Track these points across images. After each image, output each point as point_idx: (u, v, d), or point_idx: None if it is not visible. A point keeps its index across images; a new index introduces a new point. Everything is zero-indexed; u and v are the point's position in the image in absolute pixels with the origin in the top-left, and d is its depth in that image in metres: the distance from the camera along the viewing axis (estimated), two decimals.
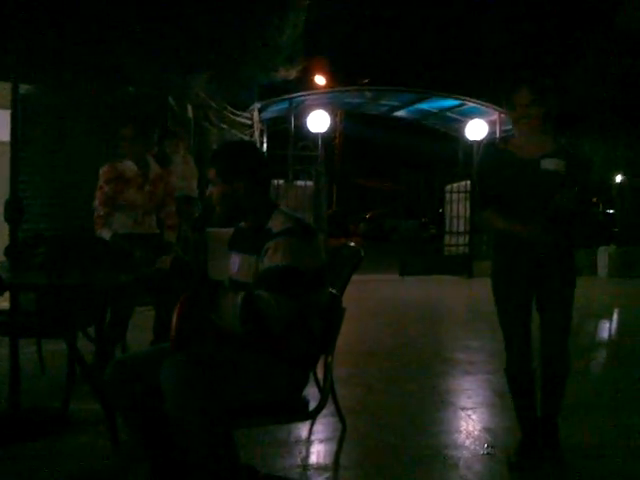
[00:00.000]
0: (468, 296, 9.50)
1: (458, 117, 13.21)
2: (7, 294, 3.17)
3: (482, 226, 2.65)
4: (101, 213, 3.95)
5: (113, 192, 3.96)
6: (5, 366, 3.23)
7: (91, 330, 3.53)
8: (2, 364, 3.48)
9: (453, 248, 12.26)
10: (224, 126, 9.52)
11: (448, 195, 12.77)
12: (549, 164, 2.62)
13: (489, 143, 2.92)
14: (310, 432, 3.16)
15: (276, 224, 2.24)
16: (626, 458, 2.88)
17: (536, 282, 2.70)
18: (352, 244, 3.10)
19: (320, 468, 2.79)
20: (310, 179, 11.41)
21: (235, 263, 2.40)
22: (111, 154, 4.40)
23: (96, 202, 3.99)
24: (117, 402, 2.28)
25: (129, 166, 4.03)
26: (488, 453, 2.89)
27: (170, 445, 2.27)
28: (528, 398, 2.76)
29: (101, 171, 4.01)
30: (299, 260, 2.16)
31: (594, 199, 21.17)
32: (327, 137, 13.19)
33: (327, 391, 2.44)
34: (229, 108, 9.79)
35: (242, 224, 2.45)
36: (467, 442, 3.05)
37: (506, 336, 2.76)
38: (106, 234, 3.89)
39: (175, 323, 2.28)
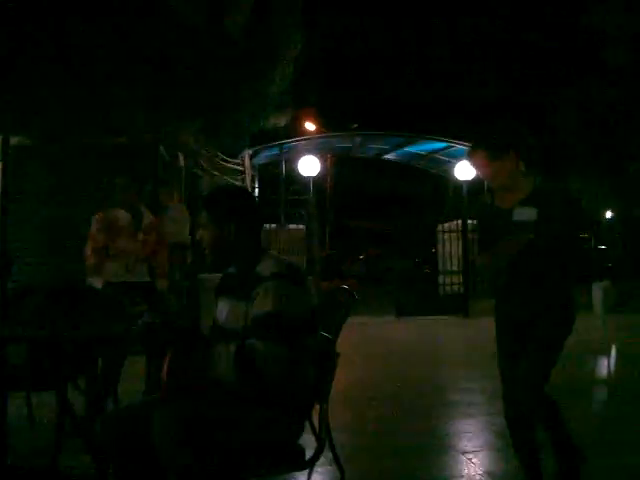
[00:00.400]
0: (465, 336, 9.42)
1: (446, 159, 13.39)
2: None
3: (482, 272, 2.68)
4: (92, 261, 3.94)
5: (105, 240, 3.96)
6: None
7: (82, 381, 3.46)
8: None
9: (448, 287, 12.24)
10: (215, 173, 9.61)
11: (440, 235, 12.82)
12: (519, 214, 2.59)
13: (480, 200, 2.93)
14: None
15: (265, 268, 2.22)
16: None
17: (524, 324, 2.66)
18: (345, 287, 3.07)
19: None
20: (302, 222, 11.46)
21: (223, 311, 2.37)
22: (103, 203, 4.42)
23: (87, 250, 3.97)
24: (109, 456, 2.22)
25: (121, 214, 4.04)
26: None
27: None
28: (530, 450, 2.67)
29: (93, 220, 4.02)
30: (290, 304, 2.14)
31: (584, 235, 21.32)
32: (318, 181, 13.29)
33: (323, 439, 2.38)
34: (220, 155, 9.90)
35: (230, 270, 2.43)
36: None
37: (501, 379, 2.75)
38: (97, 283, 3.87)
39: (166, 373, 2.24)
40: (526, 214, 2.57)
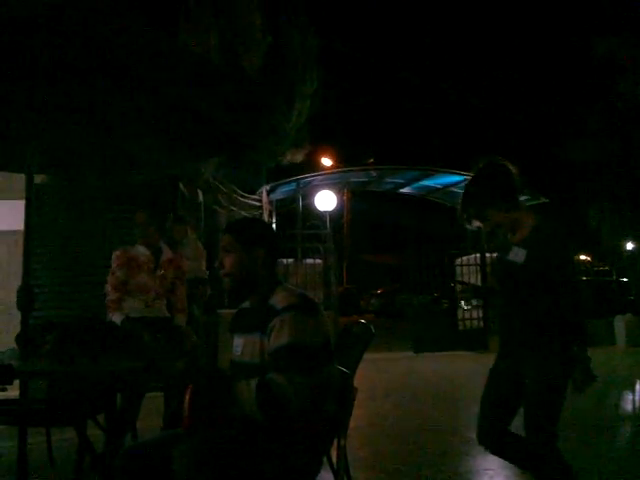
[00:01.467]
0: (485, 372, 9.25)
1: (463, 192, 13.39)
2: (16, 382, 3.14)
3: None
4: (113, 297, 3.99)
5: (125, 276, 4.01)
6: (12, 457, 3.15)
7: (101, 418, 3.46)
8: (10, 456, 3.40)
9: (467, 322, 12.12)
10: (234, 208, 9.73)
11: (459, 268, 12.75)
12: (512, 254, 2.64)
13: (500, 233, 2.83)
14: None
15: (280, 300, 2.23)
16: None
17: (520, 364, 2.66)
18: (362, 321, 3.08)
19: None
20: (319, 257, 11.48)
21: (238, 346, 2.37)
22: (123, 240, 4.51)
23: (108, 287, 4.04)
24: None
25: (141, 251, 4.11)
26: None
27: None
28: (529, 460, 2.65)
29: (113, 256, 4.08)
30: (306, 335, 2.15)
31: (604, 267, 21.05)
32: (335, 215, 13.37)
33: (342, 475, 2.36)
34: (238, 191, 10.04)
35: (244, 305, 2.44)
36: None
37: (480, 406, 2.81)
38: (117, 318, 3.91)
39: (188, 407, 2.25)
40: (515, 253, 2.63)
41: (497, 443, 2.69)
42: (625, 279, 17.84)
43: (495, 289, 2.89)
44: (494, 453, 2.73)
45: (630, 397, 7.12)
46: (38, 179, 5.38)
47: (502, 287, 2.74)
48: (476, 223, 2.74)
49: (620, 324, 12.09)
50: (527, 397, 2.59)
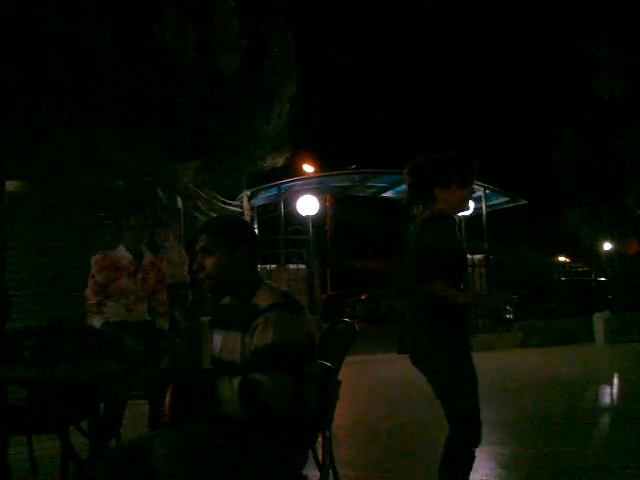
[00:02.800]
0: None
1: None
2: None
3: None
4: (93, 302, 3.95)
5: (105, 280, 3.98)
6: None
7: (85, 425, 3.43)
8: None
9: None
10: (214, 215, 9.69)
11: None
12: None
13: (447, 216, 2.76)
14: None
15: (262, 299, 2.21)
16: None
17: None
18: (347, 320, 3.10)
19: None
20: (302, 262, 11.47)
21: (217, 342, 2.34)
22: (101, 245, 4.45)
23: (88, 291, 3.99)
24: None
25: (122, 254, 4.07)
26: None
27: None
28: None
29: (93, 260, 4.04)
30: (290, 335, 2.13)
31: (584, 267, 21.28)
32: (317, 221, 13.38)
33: (327, 467, 2.36)
34: (218, 197, 9.99)
35: (225, 300, 2.42)
36: None
37: (474, 412, 2.75)
38: (97, 322, 3.87)
39: (169, 405, 2.24)
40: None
41: None
42: (603, 279, 18.09)
43: None
44: None
45: (608, 392, 7.23)
46: (12, 186, 5.33)
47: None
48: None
49: (599, 322, 12.27)
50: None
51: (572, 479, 3.37)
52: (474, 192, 3.10)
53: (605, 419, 5.66)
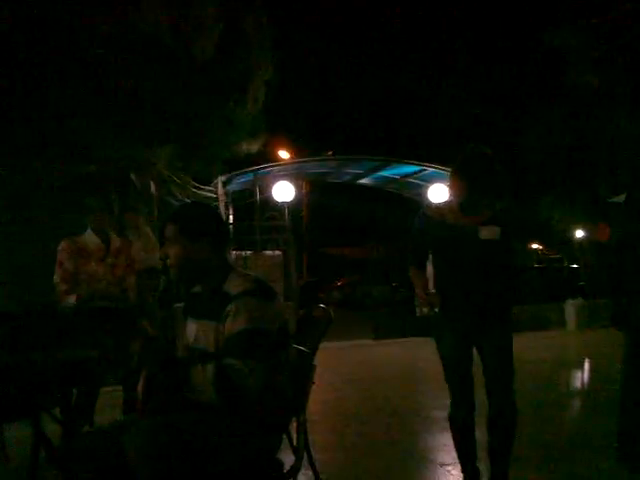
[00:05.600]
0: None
1: (419, 182, 13.57)
2: None
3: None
4: (63, 289, 3.89)
5: (74, 266, 3.91)
6: None
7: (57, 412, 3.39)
8: None
9: (425, 309, 12.30)
10: (188, 200, 9.60)
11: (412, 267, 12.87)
12: (486, 232, 2.83)
13: (420, 211, 3.06)
14: None
15: (234, 286, 2.19)
16: None
17: (476, 334, 2.88)
18: (322, 306, 3.10)
19: None
20: (278, 248, 11.46)
21: (191, 330, 2.33)
22: (71, 230, 4.36)
23: (57, 278, 3.92)
24: (82, 476, 2.18)
25: (89, 239, 4.01)
26: None
27: None
28: (471, 448, 2.95)
29: (60, 247, 3.96)
30: (262, 321, 2.13)
31: (556, 254, 21.62)
32: (294, 207, 13.35)
33: (302, 450, 2.38)
34: (192, 182, 9.89)
35: (196, 289, 2.41)
36: None
37: (452, 385, 2.95)
38: (71, 300, 3.81)
39: (142, 389, 2.23)
40: (490, 232, 2.83)
41: (471, 417, 2.94)
42: (575, 265, 18.41)
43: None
44: (468, 428, 2.94)
45: (578, 376, 7.39)
46: None
47: (467, 265, 2.84)
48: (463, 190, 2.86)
49: (570, 308, 12.50)
50: (492, 364, 2.86)
51: (541, 461, 3.44)
52: None
53: (575, 403, 5.78)
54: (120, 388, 4.40)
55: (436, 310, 2.89)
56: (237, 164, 11.30)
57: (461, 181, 2.83)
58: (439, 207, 3.03)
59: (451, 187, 2.91)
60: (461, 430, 2.95)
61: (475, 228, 2.83)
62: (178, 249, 2.25)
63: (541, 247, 23.59)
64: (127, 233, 5.65)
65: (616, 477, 3.07)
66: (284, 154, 19.51)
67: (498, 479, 2.85)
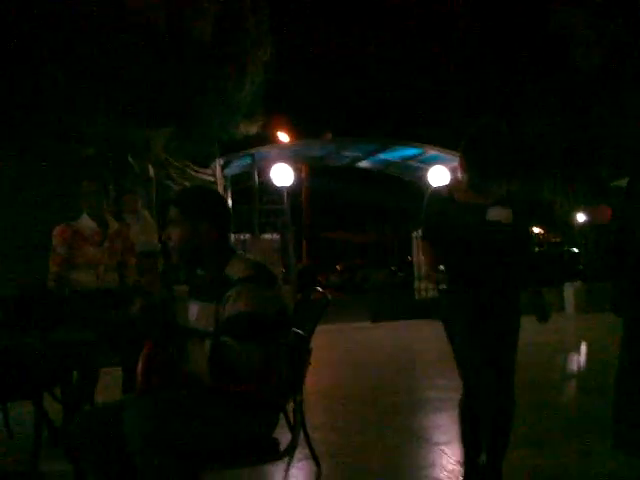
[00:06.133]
0: (439, 337, 9.46)
1: (420, 165, 13.53)
2: None
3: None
4: (58, 273, 3.89)
5: (70, 252, 3.91)
6: None
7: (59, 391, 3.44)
8: None
9: (423, 292, 12.36)
10: (186, 183, 9.59)
11: (415, 241, 12.94)
12: (495, 214, 2.69)
13: (433, 191, 2.96)
14: (285, 477, 3.11)
15: (235, 271, 2.21)
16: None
17: (482, 318, 2.72)
18: (319, 289, 3.14)
19: None
20: (277, 232, 11.47)
21: (193, 312, 2.36)
22: (66, 215, 4.34)
23: (51, 264, 3.93)
24: (83, 454, 2.22)
25: (85, 223, 3.99)
26: None
27: None
28: (480, 442, 2.75)
29: (55, 232, 3.94)
30: (262, 306, 2.15)
31: (556, 238, 21.62)
32: (292, 191, 13.33)
33: (298, 428, 2.42)
34: (191, 165, 9.86)
35: (199, 272, 2.43)
36: (442, 476, 3.06)
37: (464, 371, 2.74)
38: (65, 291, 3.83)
39: (142, 368, 2.26)
40: (500, 213, 2.70)
41: (485, 407, 2.71)
42: (576, 249, 18.41)
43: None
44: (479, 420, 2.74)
45: (575, 360, 7.44)
46: None
47: (478, 248, 2.71)
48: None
49: (569, 291, 12.53)
50: (503, 347, 2.75)
51: (539, 445, 3.48)
52: None
53: (571, 386, 5.83)
54: (120, 369, 4.45)
55: (440, 288, 2.78)
56: (235, 147, 11.25)
57: (472, 158, 2.70)
58: (450, 186, 2.92)
59: (461, 164, 2.76)
60: (472, 422, 2.73)
61: (484, 208, 2.70)
62: (180, 231, 2.27)
63: (542, 231, 23.59)
64: (125, 217, 5.65)
65: (611, 460, 3.08)
66: (283, 136, 19.42)
67: (489, 471, 2.73)
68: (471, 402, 2.73)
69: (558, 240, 21.29)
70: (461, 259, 2.74)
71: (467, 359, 2.73)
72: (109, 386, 4.56)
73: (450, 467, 3.16)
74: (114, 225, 4.14)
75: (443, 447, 3.50)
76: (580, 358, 7.56)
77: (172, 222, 2.30)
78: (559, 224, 18.87)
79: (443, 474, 3.08)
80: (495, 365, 2.69)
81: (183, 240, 2.28)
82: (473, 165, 2.70)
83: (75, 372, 3.76)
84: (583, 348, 8.12)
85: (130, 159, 7.08)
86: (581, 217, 17.81)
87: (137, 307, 2.23)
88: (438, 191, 2.90)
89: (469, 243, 2.71)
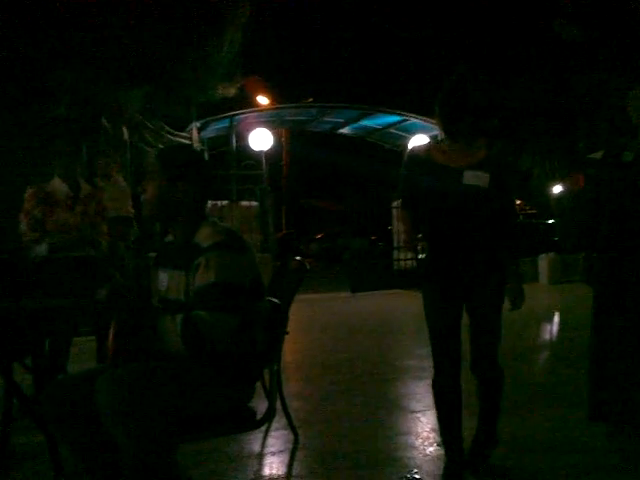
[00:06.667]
0: (418, 308, 9.53)
1: (401, 133, 13.47)
2: None
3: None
4: (32, 238, 3.78)
5: (42, 215, 3.79)
6: None
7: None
8: None
9: (402, 263, 12.39)
10: (162, 147, 9.37)
11: (395, 211, 12.93)
12: (472, 178, 2.48)
13: (411, 152, 2.70)
14: (262, 445, 3.11)
15: (205, 238, 2.14)
16: (562, 450, 2.97)
17: (462, 290, 2.59)
18: (298, 258, 3.08)
19: (273, 479, 2.73)
20: (255, 199, 11.33)
21: (164, 281, 2.30)
22: (38, 178, 4.21)
23: (23, 227, 3.81)
24: (55, 424, 2.16)
25: (57, 186, 3.87)
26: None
27: (111, 467, 2.16)
28: (456, 417, 2.65)
29: (26, 194, 3.83)
30: (233, 275, 2.09)
31: (532, 210, 21.83)
32: (272, 157, 13.15)
33: (274, 397, 2.39)
34: (167, 128, 9.62)
35: (168, 238, 2.37)
36: (417, 443, 3.08)
37: (436, 348, 2.65)
38: (42, 249, 3.72)
39: (112, 338, 2.20)
40: (477, 177, 2.48)
41: (456, 383, 2.65)
42: (551, 221, 18.60)
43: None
44: (453, 396, 2.64)
45: (548, 329, 7.55)
46: None
47: (448, 212, 2.52)
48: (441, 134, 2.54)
49: (543, 263, 12.70)
50: (480, 325, 2.59)
51: (510, 414, 3.51)
52: None
53: (544, 355, 5.92)
54: (94, 338, 4.38)
55: (419, 257, 2.66)
56: (213, 110, 10.99)
57: (447, 112, 2.46)
58: (428, 146, 2.67)
59: (437, 120, 2.53)
60: (444, 398, 2.65)
61: (461, 171, 2.47)
62: (156, 186, 2.21)
63: (518, 201, 23.78)
64: (97, 181, 5.49)
65: (585, 430, 3.12)
66: (263, 100, 19.07)
67: (481, 439, 2.70)
68: (438, 378, 2.65)
69: (534, 212, 21.48)
70: (436, 226, 2.57)
71: (433, 329, 2.64)
72: (83, 356, 4.50)
73: (425, 434, 3.20)
74: (86, 188, 4.02)
75: (419, 415, 3.53)
76: (552, 327, 7.68)
77: (151, 175, 2.23)
78: (535, 195, 19.02)
79: (418, 441, 3.11)
80: (478, 341, 2.58)
81: (157, 195, 2.21)
82: (447, 115, 2.46)
83: (47, 341, 3.68)
84: (556, 318, 8.24)
85: (104, 120, 6.86)
86: (558, 189, 17.95)
87: (105, 292, 2.15)
88: (416, 153, 2.66)
89: (443, 209, 2.52)
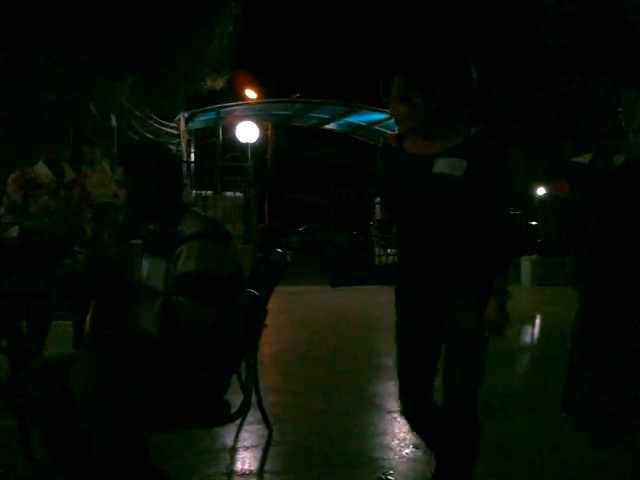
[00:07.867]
0: None
1: (386, 130, 13.47)
2: None
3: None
4: (8, 221, 3.77)
5: (24, 199, 3.78)
6: None
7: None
8: None
9: (383, 258, 12.42)
10: (149, 136, 9.31)
11: (377, 206, 12.91)
12: (443, 165, 2.03)
13: (383, 141, 2.27)
14: (236, 439, 3.10)
15: (187, 227, 2.16)
16: (543, 451, 2.99)
17: (433, 303, 2.14)
18: (279, 250, 3.08)
19: (245, 474, 2.72)
20: (240, 190, 11.32)
21: (145, 268, 2.32)
22: (24, 161, 4.19)
23: (2, 210, 3.81)
24: (28, 408, 2.15)
25: (41, 171, 3.87)
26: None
27: (84, 454, 2.15)
28: (436, 442, 2.25)
29: (10, 178, 3.84)
30: (213, 264, 2.10)
31: (515, 211, 22.01)
32: (257, 149, 13.12)
33: (250, 391, 2.39)
34: (154, 117, 9.58)
35: (152, 227, 2.37)
36: (393, 444, 3.07)
37: (398, 371, 2.28)
38: (13, 232, 3.70)
39: (89, 322, 2.20)
40: (449, 165, 2.02)
41: (421, 411, 2.25)
42: (534, 222, 18.76)
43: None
44: (419, 425, 2.29)
45: (529, 330, 7.61)
46: None
47: (418, 206, 2.09)
48: (392, 101, 2.07)
49: (526, 264, 12.76)
50: (451, 356, 2.10)
51: (491, 416, 3.54)
52: None
53: (524, 357, 5.95)
54: (70, 322, 4.34)
55: (388, 251, 2.58)
56: (201, 101, 10.96)
57: (418, 90, 1.99)
58: (400, 133, 2.16)
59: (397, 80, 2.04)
60: (416, 426, 2.31)
61: (431, 158, 2.05)
62: (126, 191, 2.21)
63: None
64: (82, 167, 5.45)
65: (562, 432, 3.11)
66: (250, 93, 19.02)
67: None
68: (403, 409, 2.29)
69: (517, 212, 21.62)
70: (403, 225, 2.16)
71: (398, 348, 2.26)
72: (60, 340, 4.45)
73: (401, 435, 3.18)
74: (71, 174, 4.00)
75: (396, 415, 3.50)
76: (534, 330, 7.73)
77: (118, 182, 2.24)
78: (519, 197, 19.15)
79: (394, 442, 3.09)
80: (452, 373, 2.10)
81: (130, 200, 2.22)
82: (420, 99, 1.99)
83: (24, 324, 3.64)
84: (537, 320, 8.31)
85: (92, 107, 6.79)
86: (541, 191, 18.11)
87: (61, 271, 2.15)
88: (387, 141, 2.24)
89: (410, 204, 2.10)
